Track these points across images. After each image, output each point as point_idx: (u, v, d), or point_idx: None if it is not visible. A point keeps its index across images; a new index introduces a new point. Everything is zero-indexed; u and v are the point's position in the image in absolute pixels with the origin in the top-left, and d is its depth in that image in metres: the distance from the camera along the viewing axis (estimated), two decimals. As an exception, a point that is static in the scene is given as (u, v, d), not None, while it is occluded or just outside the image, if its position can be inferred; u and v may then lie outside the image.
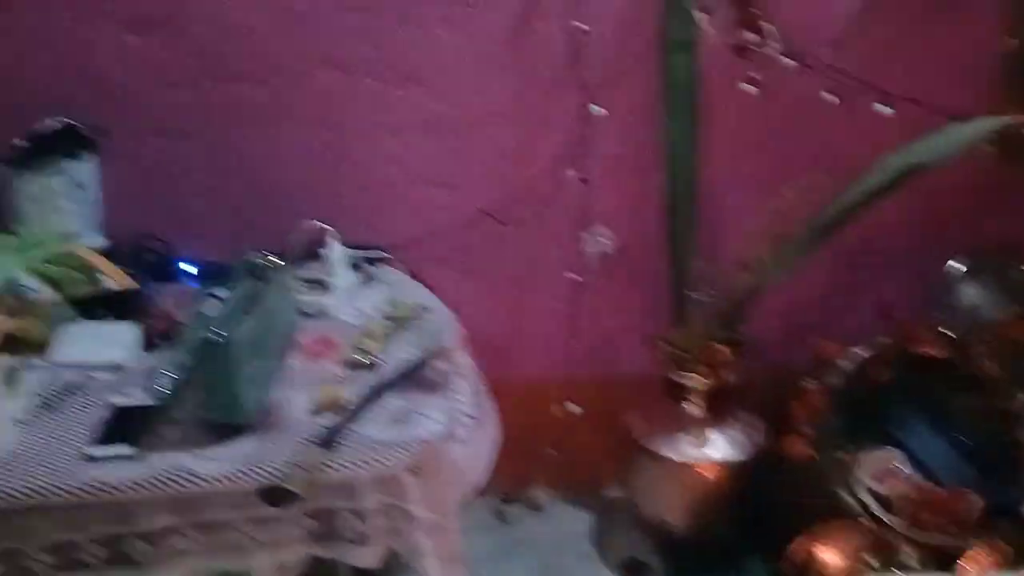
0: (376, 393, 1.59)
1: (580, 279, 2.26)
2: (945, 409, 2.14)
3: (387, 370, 1.67)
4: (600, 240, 2.22)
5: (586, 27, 2.05)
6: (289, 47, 2.05)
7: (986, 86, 2.16)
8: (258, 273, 1.62)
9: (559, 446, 2.40)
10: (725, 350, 2.12)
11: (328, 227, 2.01)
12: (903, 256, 2.34)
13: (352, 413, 1.53)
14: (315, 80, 2.08)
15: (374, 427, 1.52)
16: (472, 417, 1.63)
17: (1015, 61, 2.18)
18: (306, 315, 1.86)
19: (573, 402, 2.34)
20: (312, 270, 1.98)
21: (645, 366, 2.27)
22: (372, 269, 2.07)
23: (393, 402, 1.59)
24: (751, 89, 2.09)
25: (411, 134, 2.15)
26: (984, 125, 1.98)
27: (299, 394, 1.59)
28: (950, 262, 2.29)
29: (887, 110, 2.10)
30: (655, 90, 2.05)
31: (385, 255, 2.12)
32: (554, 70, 2.11)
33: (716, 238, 2.20)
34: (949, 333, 2.14)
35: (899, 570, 1.91)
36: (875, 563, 1.96)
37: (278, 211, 2.09)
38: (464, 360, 1.78)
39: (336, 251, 1.99)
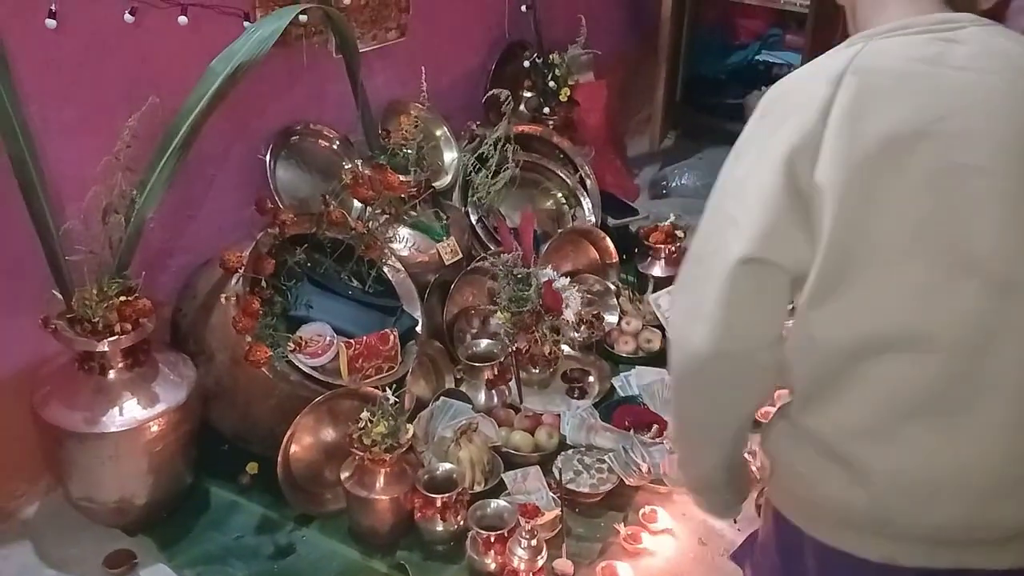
0: None
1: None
2: (330, 274, 2.41)
3: None
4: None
5: None
6: None
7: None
8: None
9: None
10: (140, 301, 2.01)
11: None
12: (226, 151, 2.44)
13: None
14: None
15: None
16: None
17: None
18: None
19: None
20: None
21: (49, 352, 2.01)
22: None
23: None
24: (50, 23, 1.92)
25: None
26: (280, 20, 2.18)
27: None
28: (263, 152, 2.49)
29: (183, 19, 2.16)
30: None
31: None
32: None
33: (65, 190, 2.02)
34: (305, 211, 2.38)
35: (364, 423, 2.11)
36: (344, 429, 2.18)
37: None
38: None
39: None
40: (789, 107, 1.12)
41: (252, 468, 2.26)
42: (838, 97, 1.07)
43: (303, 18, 2.27)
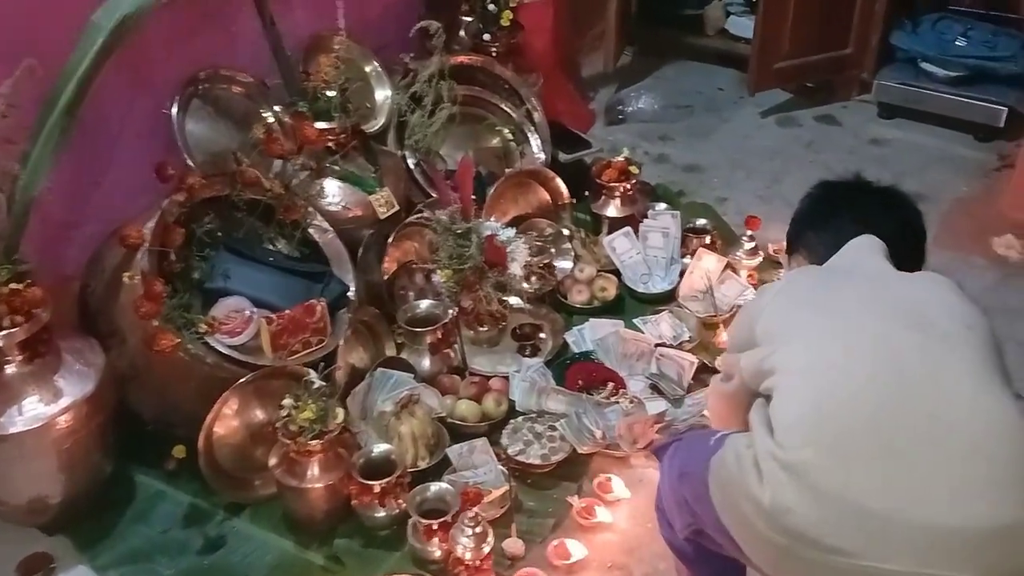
0: None
1: None
2: (250, 240, 2.20)
3: None
4: None
5: None
6: None
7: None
8: None
9: None
10: (30, 290, 1.81)
11: None
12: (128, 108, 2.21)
13: None
14: None
15: None
16: None
17: None
18: None
19: None
20: None
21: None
22: None
23: None
24: None
25: None
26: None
27: None
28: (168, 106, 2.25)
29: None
30: None
31: None
32: None
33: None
34: (216, 171, 2.16)
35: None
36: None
37: None
38: None
39: None
40: None
41: (179, 452, 2.09)
42: None
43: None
